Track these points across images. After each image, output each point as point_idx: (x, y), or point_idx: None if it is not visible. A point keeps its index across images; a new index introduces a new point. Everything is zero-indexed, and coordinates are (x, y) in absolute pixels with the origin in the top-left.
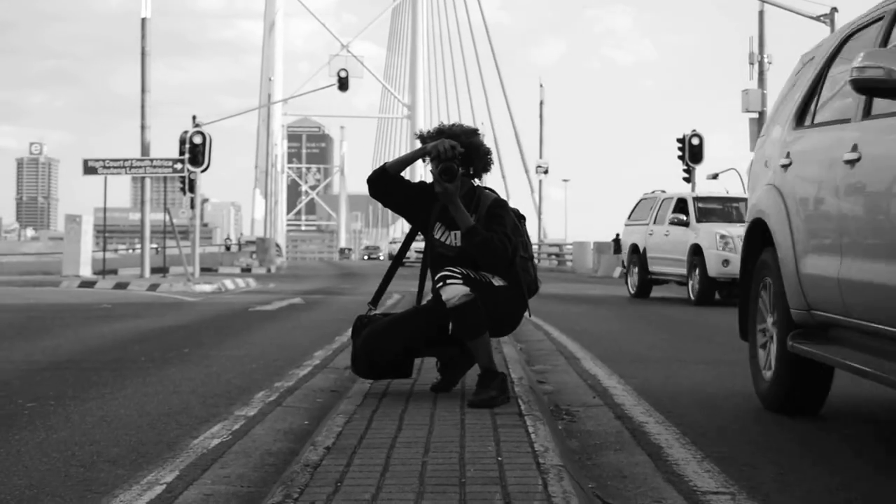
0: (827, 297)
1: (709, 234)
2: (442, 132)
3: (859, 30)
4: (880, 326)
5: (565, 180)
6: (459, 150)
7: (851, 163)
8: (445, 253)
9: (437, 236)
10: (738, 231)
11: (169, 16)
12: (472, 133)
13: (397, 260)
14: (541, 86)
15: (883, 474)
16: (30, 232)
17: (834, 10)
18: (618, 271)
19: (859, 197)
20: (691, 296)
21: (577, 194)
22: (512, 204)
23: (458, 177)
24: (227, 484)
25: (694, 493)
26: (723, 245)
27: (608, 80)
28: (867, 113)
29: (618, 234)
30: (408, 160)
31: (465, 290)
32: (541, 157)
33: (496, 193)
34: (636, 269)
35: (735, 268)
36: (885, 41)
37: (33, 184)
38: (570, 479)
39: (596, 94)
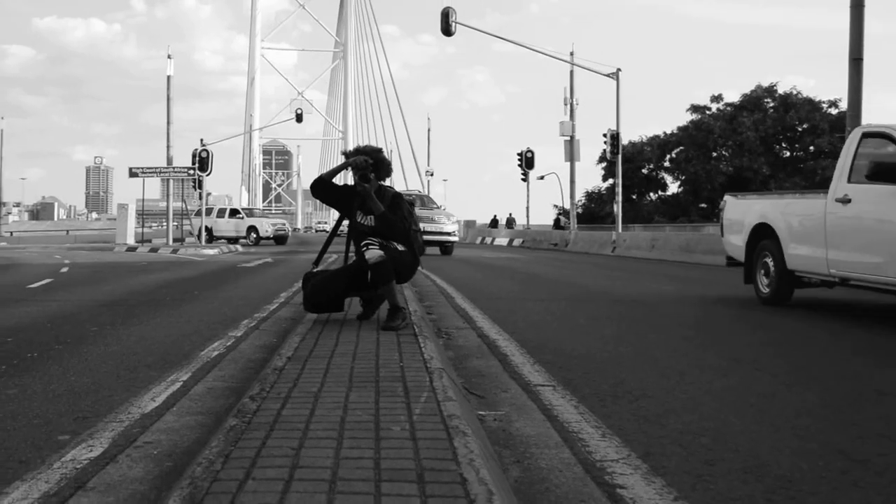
0: None
1: None
2: (359, 150)
3: None
4: None
5: (445, 180)
6: (370, 163)
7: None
8: (364, 230)
9: (358, 219)
10: None
11: (185, 73)
12: (378, 151)
13: (332, 235)
14: (428, 118)
15: (651, 372)
16: (94, 215)
17: (619, 70)
18: (479, 240)
19: None
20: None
21: (453, 189)
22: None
23: (371, 180)
24: (223, 381)
25: (528, 386)
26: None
27: (472, 114)
28: None
29: (494, 215)
30: (336, 171)
31: (380, 253)
32: (428, 164)
33: (395, 189)
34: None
35: None
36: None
37: (96, 183)
38: (447, 378)
39: (464, 123)
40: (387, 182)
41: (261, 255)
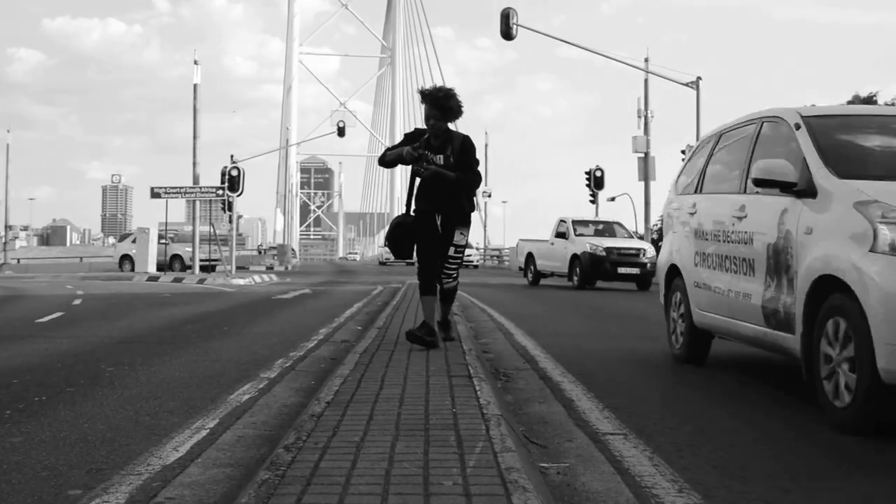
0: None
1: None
2: (423, 93)
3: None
4: None
5: (504, 201)
6: (417, 147)
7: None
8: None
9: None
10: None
11: (214, 81)
12: (438, 90)
13: (412, 182)
14: (486, 133)
15: (734, 418)
16: (111, 240)
17: (699, 78)
18: None
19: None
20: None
21: (512, 211)
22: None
23: (430, 161)
24: (255, 429)
25: (596, 434)
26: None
27: (534, 128)
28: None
29: None
30: (393, 158)
31: (456, 283)
32: (486, 184)
33: (462, 134)
34: None
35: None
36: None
37: (114, 204)
38: (506, 425)
39: (526, 138)
40: (456, 125)
41: (298, 286)
